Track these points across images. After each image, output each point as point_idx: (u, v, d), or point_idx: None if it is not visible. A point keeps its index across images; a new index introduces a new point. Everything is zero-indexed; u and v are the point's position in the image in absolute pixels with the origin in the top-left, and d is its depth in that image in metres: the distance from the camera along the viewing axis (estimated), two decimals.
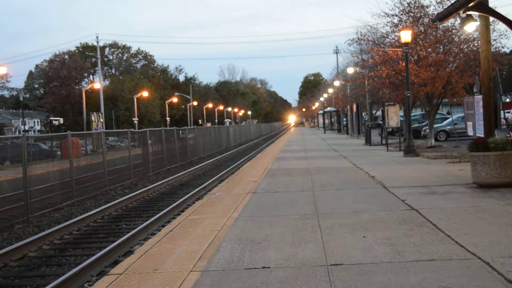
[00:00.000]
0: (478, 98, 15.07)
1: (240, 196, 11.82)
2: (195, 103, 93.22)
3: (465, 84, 24.27)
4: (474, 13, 12.56)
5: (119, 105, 74.85)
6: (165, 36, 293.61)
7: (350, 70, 42.56)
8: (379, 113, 42.45)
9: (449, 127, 33.36)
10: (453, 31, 24.42)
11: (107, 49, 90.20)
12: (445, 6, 19.63)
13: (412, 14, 25.10)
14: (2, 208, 15.36)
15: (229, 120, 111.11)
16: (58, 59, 75.02)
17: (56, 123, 60.68)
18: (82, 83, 77.16)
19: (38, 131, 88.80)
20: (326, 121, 74.34)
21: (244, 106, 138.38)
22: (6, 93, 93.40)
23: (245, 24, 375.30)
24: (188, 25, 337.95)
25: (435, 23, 21.87)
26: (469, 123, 17.00)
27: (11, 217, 14.84)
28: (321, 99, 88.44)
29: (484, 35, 12.92)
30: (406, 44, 21.10)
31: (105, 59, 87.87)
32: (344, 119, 59.11)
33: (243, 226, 8.39)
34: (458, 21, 20.27)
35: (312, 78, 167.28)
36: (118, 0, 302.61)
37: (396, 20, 25.46)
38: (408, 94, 21.57)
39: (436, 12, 23.07)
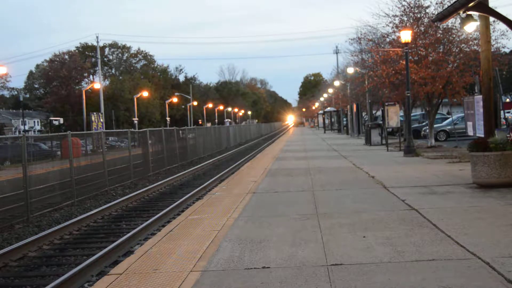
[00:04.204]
0: (478, 98, 15.07)
1: (240, 196, 11.82)
2: (195, 103, 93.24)
3: (466, 84, 24.27)
4: (474, 13, 12.56)
5: (119, 105, 74.90)
6: (165, 36, 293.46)
7: (350, 70, 42.58)
8: (379, 113, 42.45)
9: (449, 127, 33.35)
10: (453, 31, 24.43)
11: (107, 49, 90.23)
12: (445, 7, 19.62)
13: (412, 15, 25.10)
14: (2, 208, 15.35)
15: (229, 120, 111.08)
16: (58, 59, 75.05)
17: (56, 123, 60.70)
18: (82, 83, 77.25)
19: (38, 131, 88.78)
20: (326, 121, 74.35)
21: (244, 106, 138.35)
22: (6, 93, 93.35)
23: (245, 24, 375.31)
24: (188, 25, 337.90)
25: (435, 23, 21.87)
26: (469, 123, 16.99)
27: (11, 217, 14.83)
28: (321, 99, 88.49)
29: (484, 35, 12.92)
30: (406, 44, 21.11)
31: (105, 59, 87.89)
32: (344, 119, 59.09)
33: (243, 226, 8.39)
34: (458, 21, 20.27)
35: (312, 78, 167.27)
36: (118, 0, 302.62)
37: (397, 20, 25.49)
38: (408, 94, 21.57)
39: (436, 12, 23.09)
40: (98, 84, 60.14)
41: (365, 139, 32.16)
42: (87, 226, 13.71)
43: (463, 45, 24.33)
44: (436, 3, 24.23)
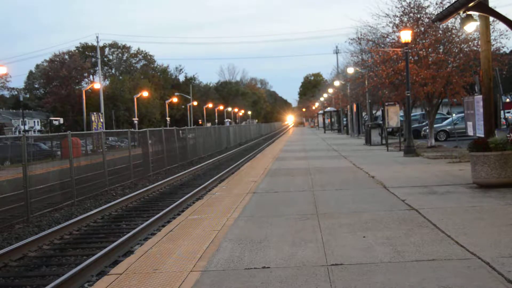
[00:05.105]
0: (478, 98, 15.08)
1: (240, 196, 11.82)
2: (195, 103, 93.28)
3: (466, 84, 24.27)
4: (474, 13, 12.56)
5: (119, 105, 74.96)
6: (165, 36, 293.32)
7: (350, 70, 42.55)
8: (379, 113, 42.47)
9: (449, 127, 33.36)
10: (453, 31, 24.42)
11: (107, 49, 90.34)
12: (445, 7, 19.62)
13: (411, 15, 25.10)
14: (2, 208, 15.35)
15: (229, 120, 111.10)
16: (58, 59, 75.14)
17: (56, 123, 60.80)
18: (82, 83, 77.37)
19: (38, 131, 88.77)
20: (326, 121, 74.38)
21: (244, 106, 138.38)
22: (6, 93, 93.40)
23: (245, 24, 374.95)
24: (188, 25, 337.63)
25: (435, 23, 21.86)
26: (469, 123, 17.01)
27: (11, 217, 14.83)
28: (321, 99, 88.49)
29: (484, 35, 12.93)
30: (406, 44, 21.11)
31: (105, 59, 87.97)
32: (344, 119, 59.11)
33: (243, 226, 8.39)
34: (458, 21, 20.26)
35: (312, 78, 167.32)
36: (118, 0, 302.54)
37: (397, 20, 25.48)
38: (408, 94, 21.57)
39: (436, 12, 23.08)
40: (98, 84, 60.17)
41: (365, 139, 32.17)
42: (87, 226, 13.71)
43: (463, 45, 24.32)
44: (436, 3, 24.25)
